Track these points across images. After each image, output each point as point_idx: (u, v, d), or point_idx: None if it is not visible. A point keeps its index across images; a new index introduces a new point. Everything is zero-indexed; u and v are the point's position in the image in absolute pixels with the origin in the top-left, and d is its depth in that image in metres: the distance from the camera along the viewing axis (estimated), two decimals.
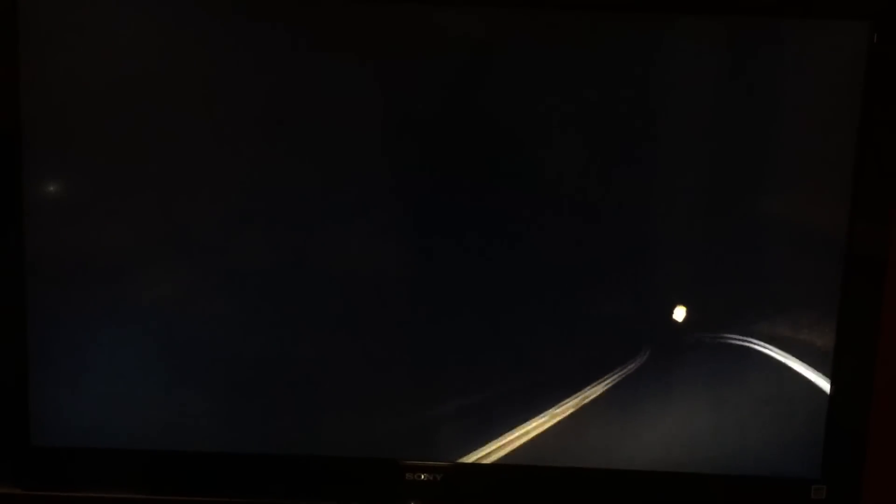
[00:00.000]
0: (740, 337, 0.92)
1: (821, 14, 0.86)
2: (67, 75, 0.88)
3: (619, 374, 0.93)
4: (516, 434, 0.94)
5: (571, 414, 0.93)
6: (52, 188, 0.90)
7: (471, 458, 0.94)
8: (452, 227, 0.90)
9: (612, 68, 0.88)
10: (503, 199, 0.90)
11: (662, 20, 0.87)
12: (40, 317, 0.91)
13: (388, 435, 0.95)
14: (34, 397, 0.93)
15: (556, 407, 0.93)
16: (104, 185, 0.90)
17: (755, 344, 0.92)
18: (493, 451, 0.94)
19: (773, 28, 0.87)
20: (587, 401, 0.93)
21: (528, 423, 0.94)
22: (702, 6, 0.87)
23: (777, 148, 0.89)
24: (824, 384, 0.92)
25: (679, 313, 0.92)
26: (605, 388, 0.93)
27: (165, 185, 0.90)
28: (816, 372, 0.92)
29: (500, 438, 0.94)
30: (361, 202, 0.90)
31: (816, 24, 0.86)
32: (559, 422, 0.93)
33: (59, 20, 0.86)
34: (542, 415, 0.93)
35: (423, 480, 0.94)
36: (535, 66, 0.88)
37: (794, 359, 0.92)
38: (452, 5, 0.87)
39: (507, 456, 0.94)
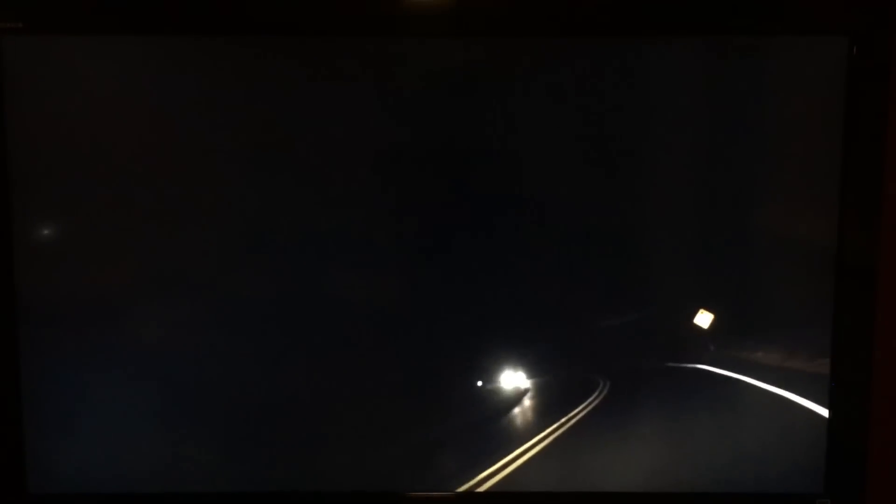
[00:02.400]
0: (741, 357, 0.92)
1: (803, 31, 0.88)
2: (55, 117, 0.88)
3: (622, 396, 0.93)
4: (514, 456, 0.93)
5: (574, 436, 0.93)
6: (42, 235, 0.90)
7: (468, 487, 0.94)
8: (442, 259, 0.91)
9: (599, 89, 0.88)
10: (486, 236, 0.91)
11: (649, 42, 0.88)
12: (35, 364, 0.91)
13: (386, 468, 0.94)
14: (30, 445, 0.92)
15: (557, 429, 0.93)
16: (95, 234, 0.90)
17: (756, 363, 0.92)
18: (491, 475, 0.94)
19: (758, 45, 0.88)
20: (591, 423, 0.93)
21: (530, 447, 0.93)
22: (688, 28, 0.88)
23: (763, 168, 0.90)
24: (824, 399, 0.92)
25: (683, 334, 0.92)
26: (608, 411, 0.93)
27: (156, 229, 0.90)
28: (816, 387, 0.92)
29: (498, 465, 0.93)
30: (346, 239, 0.90)
31: (799, 40, 0.88)
32: (560, 445, 0.93)
33: (43, 72, 0.87)
34: (544, 438, 0.93)
35: None
36: (525, 90, 0.88)
37: (793, 375, 0.92)
38: (441, 38, 0.88)
39: (507, 483, 0.93)
